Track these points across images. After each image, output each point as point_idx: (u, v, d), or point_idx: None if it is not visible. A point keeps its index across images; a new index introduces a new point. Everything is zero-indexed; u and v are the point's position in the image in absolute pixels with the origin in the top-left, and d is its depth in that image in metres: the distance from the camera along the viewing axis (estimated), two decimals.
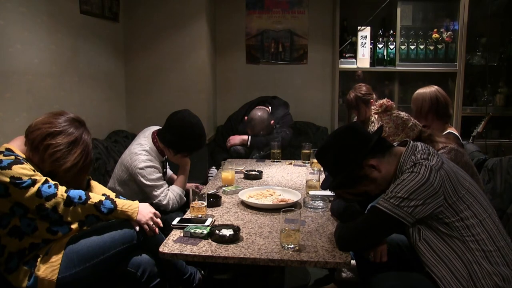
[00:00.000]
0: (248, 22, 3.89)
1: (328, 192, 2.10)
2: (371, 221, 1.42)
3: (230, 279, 2.33)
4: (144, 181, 2.17)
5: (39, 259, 1.54)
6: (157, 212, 1.75)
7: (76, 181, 1.67)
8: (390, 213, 1.35)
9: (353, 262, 2.16)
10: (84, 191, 1.61)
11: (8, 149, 1.55)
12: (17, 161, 1.50)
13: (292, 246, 1.45)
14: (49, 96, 2.51)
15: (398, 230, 1.45)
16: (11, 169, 1.46)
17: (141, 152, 2.22)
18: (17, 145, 1.59)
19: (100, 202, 1.61)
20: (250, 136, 3.23)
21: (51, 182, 1.54)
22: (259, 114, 3.24)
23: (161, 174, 2.26)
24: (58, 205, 1.52)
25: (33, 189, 1.48)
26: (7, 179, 1.45)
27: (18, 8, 2.25)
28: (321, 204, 1.91)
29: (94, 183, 1.90)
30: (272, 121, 3.29)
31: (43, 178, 1.52)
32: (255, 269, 1.62)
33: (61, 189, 1.55)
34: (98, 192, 1.85)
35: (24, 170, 1.49)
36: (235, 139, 3.26)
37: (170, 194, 2.22)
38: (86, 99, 2.92)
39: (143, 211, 1.69)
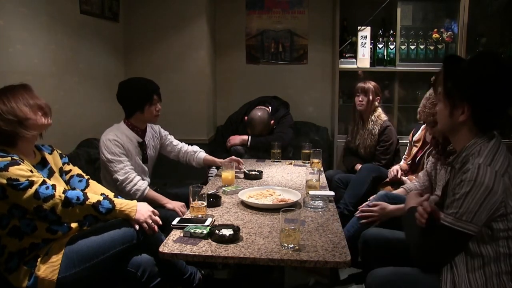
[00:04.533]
0: (248, 22, 3.89)
1: (328, 192, 2.11)
2: (447, 240, 1.35)
3: (230, 279, 2.33)
4: (107, 154, 2.18)
5: (39, 259, 1.54)
6: (155, 211, 1.76)
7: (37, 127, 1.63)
8: (461, 230, 1.30)
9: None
10: (82, 192, 1.61)
11: (2, 150, 1.54)
12: (14, 162, 1.49)
13: (292, 246, 1.45)
14: (49, 96, 2.50)
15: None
16: (7, 171, 1.46)
17: (110, 129, 2.29)
18: (6, 144, 1.58)
19: (98, 202, 1.61)
20: (250, 136, 3.23)
21: (49, 183, 1.54)
22: (259, 114, 3.24)
23: (123, 151, 2.23)
24: (56, 206, 1.51)
25: (31, 191, 1.47)
26: (4, 181, 1.45)
27: (18, 8, 2.25)
28: (321, 204, 1.91)
29: (92, 183, 1.90)
30: (272, 121, 3.29)
31: (41, 179, 1.52)
32: (255, 269, 1.62)
33: (59, 190, 1.54)
34: (97, 192, 1.85)
35: (21, 171, 1.48)
36: (235, 139, 3.26)
37: (132, 175, 2.20)
38: (86, 99, 2.92)
39: (142, 210, 1.69)
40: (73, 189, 1.80)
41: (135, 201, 1.72)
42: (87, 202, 1.58)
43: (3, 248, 1.54)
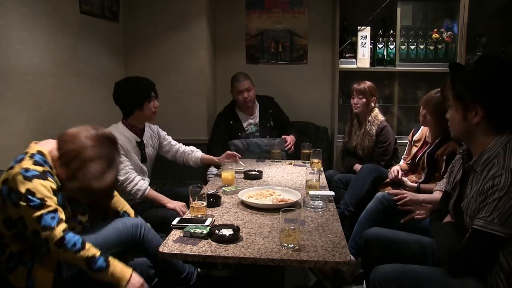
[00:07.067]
0: (248, 22, 3.89)
1: (328, 192, 2.11)
2: (478, 244, 1.34)
3: (229, 277, 2.33)
4: None
5: (36, 260, 1.54)
6: (145, 284, 1.61)
7: (97, 203, 1.64)
8: (493, 232, 1.29)
9: (352, 258, 2.19)
10: (82, 239, 1.50)
11: (40, 152, 1.52)
12: (42, 176, 1.47)
13: (291, 245, 1.45)
14: (49, 96, 2.52)
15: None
16: (31, 182, 1.44)
17: (108, 130, 2.27)
18: (49, 150, 1.56)
19: (94, 256, 1.49)
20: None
21: (59, 214, 1.48)
22: (242, 73, 3.31)
23: (122, 152, 2.23)
24: (50, 241, 1.45)
25: (37, 213, 1.43)
26: (23, 191, 1.42)
27: (18, 8, 2.25)
28: (320, 204, 1.91)
29: (116, 196, 1.88)
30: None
31: (53, 207, 1.47)
32: (255, 269, 1.62)
33: (61, 227, 1.46)
34: (119, 206, 1.84)
35: (43, 188, 1.45)
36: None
37: (133, 175, 2.20)
38: (86, 99, 2.92)
39: (133, 281, 1.54)
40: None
41: (130, 269, 1.57)
42: (81, 253, 1.46)
43: (5, 247, 1.53)
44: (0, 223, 1.51)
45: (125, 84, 2.36)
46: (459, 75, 1.42)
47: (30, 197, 1.43)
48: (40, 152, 1.54)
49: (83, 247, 1.48)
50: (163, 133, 2.62)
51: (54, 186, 1.51)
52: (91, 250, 1.50)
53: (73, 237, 1.47)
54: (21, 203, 1.43)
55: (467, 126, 1.40)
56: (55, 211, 1.47)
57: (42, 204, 1.44)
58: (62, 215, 1.49)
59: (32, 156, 1.52)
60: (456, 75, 1.42)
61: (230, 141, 3.23)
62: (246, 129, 3.34)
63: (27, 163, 1.48)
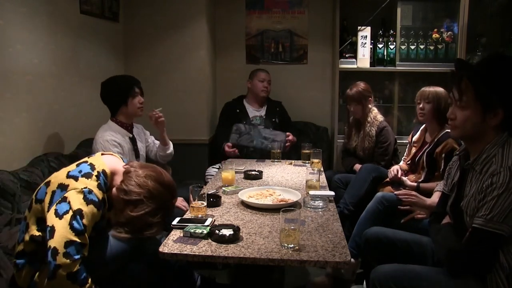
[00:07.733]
0: (248, 22, 3.89)
1: (328, 192, 2.11)
2: (478, 242, 1.34)
3: (230, 285, 2.33)
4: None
5: (42, 265, 1.52)
6: None
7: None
8: (492, 230, 1.30)
9: (352, 260, 2.20)
10: (87, 275, 1.41)
11: (104, 173, 1.51)
12: (98, 205, 1.44)
13: (292, 245, 1.45)
14: (49, 96, 2.52)
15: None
16: (87, 206, 1.41)
17: (103, 130, 2.34)
18: (111, 170, 1.55)
19: None
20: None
21: (83, 251, 1.41)
22: None
23: (120, 151, 2.28)
24: (63, 269, 1.34)
25: (71, 237, 1.36)
26: (76, 208, 1.39)
27: (18, 8, 2.25)
28: (321, 204, 1.91)
29: None
30: None
31: (86, 241, 1.40)
32: (255, 269, 1.62)
33: (79, 262, 1.38)
34: None
35: (92, 216, 1.42)
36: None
37: None
38: (86, 99, 2.92)
39: None
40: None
41: None
42: (86, 286, 1.40)
43: (21, 243, 1.52)
44: (34, 218, 1.50)
45: (109, 82, 2.41)
46: (483, 75, 1.37)
47: (78, 217, 1.38)
48: (104, 173, 1.52)
49: (88, 280, 1.41)
50: (147, 132, 2.71)
51: (98, 219, 1.49)
52: (90, 282, 1.43)
53: (83, 271, 1.40)
54: (65, 216, 1.38)
55: (481, 127, 1.39)
56: (84, 245, 1.40)
57: (82, 232, 1.38)
58: (86, 252, 1.42)
59: (98, 176, 1.49)
60: (475, 74, 1.38)
61: (234, 124, 3.28)
62: (251, 119, 3.39)
63: (93, 184, 1.46)
